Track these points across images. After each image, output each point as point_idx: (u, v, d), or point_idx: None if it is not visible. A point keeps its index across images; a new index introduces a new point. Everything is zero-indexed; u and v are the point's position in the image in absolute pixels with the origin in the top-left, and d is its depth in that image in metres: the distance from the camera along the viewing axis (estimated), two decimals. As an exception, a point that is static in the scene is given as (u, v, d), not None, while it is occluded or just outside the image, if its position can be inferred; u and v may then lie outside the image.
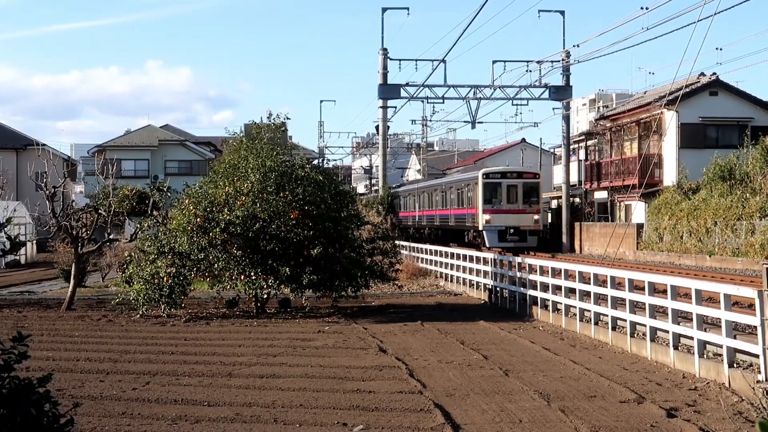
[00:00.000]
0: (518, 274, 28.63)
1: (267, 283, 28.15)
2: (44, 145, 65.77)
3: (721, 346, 16.26)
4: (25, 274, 48.41)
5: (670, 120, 51.53)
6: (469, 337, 22.76)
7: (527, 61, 58.37)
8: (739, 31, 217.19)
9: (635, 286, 20.47)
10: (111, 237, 34.34)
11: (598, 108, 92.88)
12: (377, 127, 68.31)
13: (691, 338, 17.34)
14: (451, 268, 38.13)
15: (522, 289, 28.08)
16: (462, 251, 38.35)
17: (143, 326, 25.96)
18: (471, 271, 34.79)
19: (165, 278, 27.59)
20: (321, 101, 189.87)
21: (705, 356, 16.96)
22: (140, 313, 27.71)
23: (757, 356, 14.98)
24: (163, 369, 18.16)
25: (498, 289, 30.88)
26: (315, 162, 40.59)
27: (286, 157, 30.36)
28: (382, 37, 60.80)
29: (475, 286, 34.14)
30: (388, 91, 60.96)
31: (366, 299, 31.54)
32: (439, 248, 42.92)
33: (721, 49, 53.07)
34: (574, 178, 62.53)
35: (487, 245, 50.42)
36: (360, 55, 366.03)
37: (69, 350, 20.85)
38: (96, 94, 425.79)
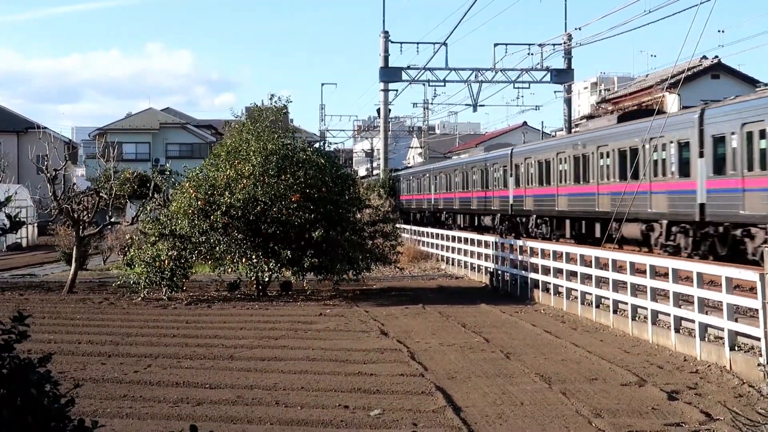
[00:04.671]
0: (519, 257, 28.61)
1: (268, 266, 28.13)
2: (45, 128, 65.70)
3: (722, 329, 16.25)
4: (26, 257, 48.47)
5: (672, 103, 51.41)
6: (470, 320, 22.77)
7: (529, 44, 58.23)
8: (741, 13, 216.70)
9: (636, 269, 20.46)
10: (112, 220, 34.31)
11: (600, 91, 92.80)
12: (378, 110, 68.26)
13: (693, 321, 17.33)
14: (452, 252, 38.11)
15: (523, 272, 28.06)
16: (463, 234, 38.32)
17: (144, 309, 25.98)
18: (472, 254, 34.76)
19: (166, 261, 27.59)
20: (322, 84, 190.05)
21: (706, 339, 16.94)
22: (141, 296, 27.73)
23: (758, 339, 14.96)
24: (165, 352, 18.19)
25: (499, 272, 30.87)
26: (316, 145, 40.53)
27: (288, 140, 30.31)
28: (384, 20, 60.67)
29: (476, 270, 34.14)
30: (390, 74, 60.83)
31: (367, 282, 31.53)
32: (440, 231, 42.93)
33: (723, 32, 52.97)
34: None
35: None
36: (361, 39, 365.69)
37: (70, 333, 20.89)
38: (97, 77, 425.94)
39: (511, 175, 44.76)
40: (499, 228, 46.70)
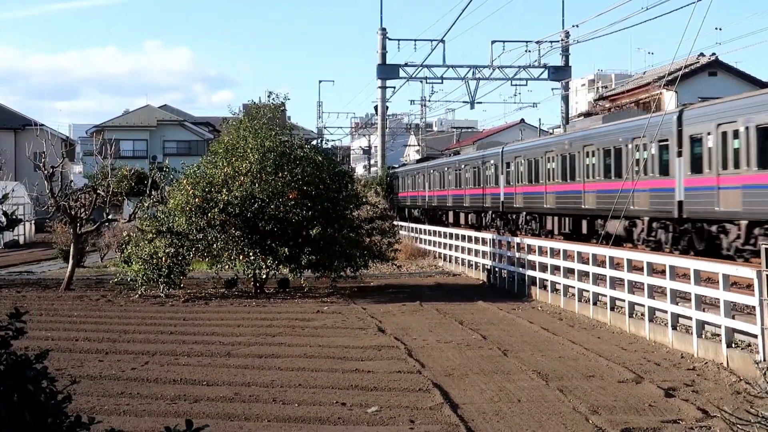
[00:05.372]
0: (517, 254, 28.62)
1: (266, 263, 28.15)
2: (43, 125, 65.53)
3: (719, 326, 16.27)
4: (23, 255, 48.41)
5: (670, 100, 51.41)
6: (467, 317, 22.77)
7: (526, 42, 58.26)
8: (739, 11, 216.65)
9: (634, 267, 20.47)
10: (109, 217, 34.29)
11: (597, 88, 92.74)
12: (376, 108, 68.20)
13: (690, 318, 17.35)
14: (450, 249, 38.11)
15: (521, 269, 28.08)
16: (461, 231, 38.31)
17: (142, 306, 25.98)
18: (470, 251, 34.76)
19: (163, 258, 27.58)
20: (320, 81, 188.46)
21: (703, 336, 16.96)
22: (139, 293, 27.72)
23: (755, 336, 14.98)
24: (162, 349, 18.18)
25: (497, 269, 30.87)
26: (314, 142, 40.52)
27: (285, 138, 30.29)
28: (381, 17, 61.05)
29: (473, 267, 34.14)
30: (387, 72, 60.81)
31: (365, 279, 31.53)
32: (437, 228, 42.90)
33: (720, 29, 52.97)
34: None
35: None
36: (359, 36, 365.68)
37: (68, 330, 20.89)
38: (95, 74, 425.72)
39: (679, 155, 28.81)
40: (643, 239, 31.56)
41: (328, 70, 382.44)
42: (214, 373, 15.66)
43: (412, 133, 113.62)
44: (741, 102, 26.52)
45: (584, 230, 36.48)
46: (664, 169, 29.90)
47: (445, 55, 58.15)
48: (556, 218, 40.16)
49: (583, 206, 36.02)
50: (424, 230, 45.22)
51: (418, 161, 74.63)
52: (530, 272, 27.12)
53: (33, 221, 59.32)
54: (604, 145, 34.42)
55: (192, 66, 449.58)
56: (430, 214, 63.98)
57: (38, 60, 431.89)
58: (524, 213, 44.06)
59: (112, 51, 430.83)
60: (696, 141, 27.99)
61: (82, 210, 32.52)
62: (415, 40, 58.59)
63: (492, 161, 49.48)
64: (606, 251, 22.47)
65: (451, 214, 59.32)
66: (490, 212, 49.85)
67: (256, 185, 27.99)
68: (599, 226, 34.18)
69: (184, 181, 28.77)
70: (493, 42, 58.13)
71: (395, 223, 39.33)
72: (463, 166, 56.05)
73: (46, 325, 21.33)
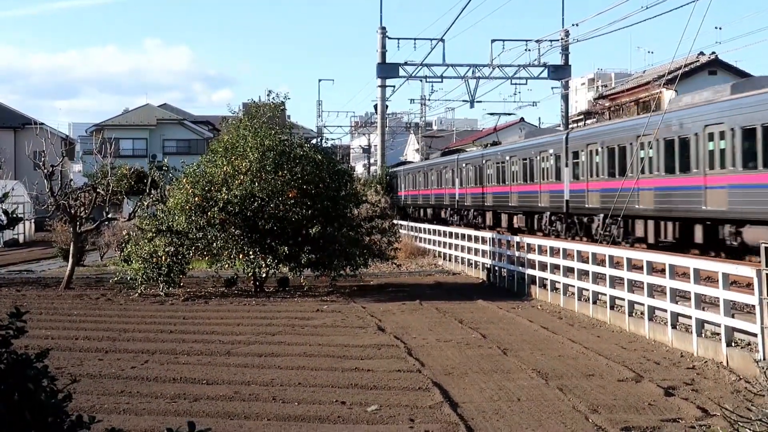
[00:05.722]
0: (516, 253, 28.61)
1: (265, 262, 28.15)
2: (42, 124, 65.47)
3: (719, 325, 16.28)
4: (23, 253, 48.41)
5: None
6: (467, 316, 22.77)
7: (526, 40, 58.13)
8: (739, 10, 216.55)
9: (633, 265, 20.47)
10: (109, 216, 34.28)
11: (597, 87, 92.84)
12: (376, 107, 68.16)
13: (689, 317, 17.36)
14: (450, 248, 38.10)
15: (520, 268, 28.07)
16: (460, 230, 38.30)
17: (142, 305, 25.99)
18: (469, 250, 34.76)
19: (163, 257, 27.59)
20: (319, 80, 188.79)
21: (703, 335, 16.97)
22: (138, 291, 27.72)
23: (755, 335, 14.99)
24: (162, 348, 18.19)
25: (496, 268, 30.86)
26: (313, 141, 40.49)
27: (285, 136, 30.29)
28: (381, 16, 60.96)
29: (473, 266, 34.13)
30: (387, 71, 60.73)
31: (364, 278, 31.53)
32: (437, 227, 42.89)
33: (720, 28, 53.10)
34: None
35: None
36: (359, 35, 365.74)
37: (68, 329, 20.90)
38: (94, 73, 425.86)
39: None
40: None
41: (328, 69, 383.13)
42: (214, 371, 15.67)
43: (412, 132, 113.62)
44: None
45: (698, 239, 27.52)
46: None
47: (444, 54, 58.04)
48: (652, 223, 30.37)
49: (703, 206, 26.61)
50: (424, 229, 45.20)
51: (442, 153, 71.05)
52: (530, 271, 27.12)
53: (33, 220, 59.28)
54: (743, 122, 24.68)
55: (192, 65, 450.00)
56: (459, 215, 56.67)
57: (38, 59, 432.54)
58: (602, 215, 34.02)
59: (112, 50, 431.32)
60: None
61: (82, 209, 32.52)
62: (415, 39, 58.50)
63: (551, 150, 40.08)
64: (606, 250, 22.47)
65: (489, 215, 50.15)
66: (548, 214, 40.54)
67: (256, 184, 27.99)
68: (728, 236, 25.86)
69: (184, 180, 28.78)
70: (492, 41, 58.00)
71: (395, 221, 39.31)
72: (508, 158, 46.14)
73: (46, 323, 21.33)
